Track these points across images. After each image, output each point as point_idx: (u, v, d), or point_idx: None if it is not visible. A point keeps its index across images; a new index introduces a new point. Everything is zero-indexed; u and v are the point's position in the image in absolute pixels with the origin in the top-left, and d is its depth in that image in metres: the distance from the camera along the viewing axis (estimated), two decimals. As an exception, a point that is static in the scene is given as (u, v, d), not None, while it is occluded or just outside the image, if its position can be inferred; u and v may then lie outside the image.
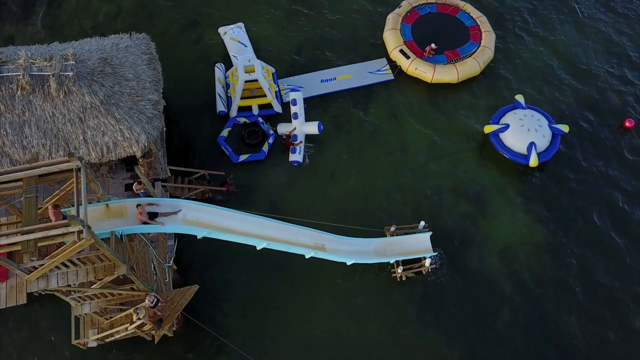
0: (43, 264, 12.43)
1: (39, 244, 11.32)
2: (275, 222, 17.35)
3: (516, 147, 22.65)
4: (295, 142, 22.77)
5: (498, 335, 19.78)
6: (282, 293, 20.30)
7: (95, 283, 14.41)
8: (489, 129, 22.94)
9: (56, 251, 12.12)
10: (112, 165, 20.88)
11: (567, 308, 20.30)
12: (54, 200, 12.62)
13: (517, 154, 22.65)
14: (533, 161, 22.23)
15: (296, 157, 22.72)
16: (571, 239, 21.73)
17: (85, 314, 16.10)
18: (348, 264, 19.43)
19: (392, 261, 20.26)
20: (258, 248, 16.52)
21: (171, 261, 19.43)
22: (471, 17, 26.01)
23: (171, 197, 21.19)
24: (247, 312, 19.93)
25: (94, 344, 17.78)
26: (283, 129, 23.20)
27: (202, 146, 23.40)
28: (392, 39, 25.22)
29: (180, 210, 15.28)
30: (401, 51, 24.72)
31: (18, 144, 18.28)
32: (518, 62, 26.14)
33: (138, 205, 14.34)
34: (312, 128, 23.00)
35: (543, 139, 22.50)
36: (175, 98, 24.51)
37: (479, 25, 25.69)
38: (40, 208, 12.69)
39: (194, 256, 20.93)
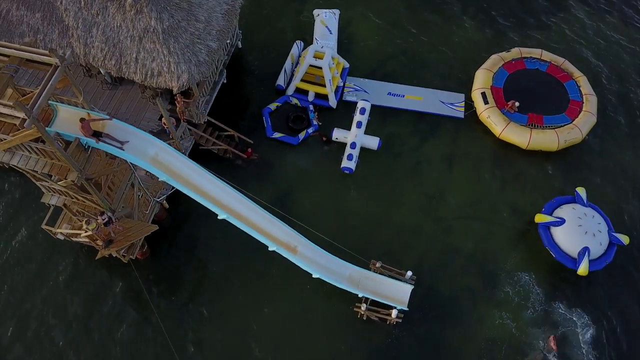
0: (7, 139, 13.38)
1: (-10, 117, 12.26)
2: (251, 203, 16.88)
3: (567, 248, 19.57)
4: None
5: None
6: (252, 274, 19.98)
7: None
8: (541, 218, 20.06)
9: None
10: (158, 93, 21.84)
11: None
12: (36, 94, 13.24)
13: (566, 256, 19.57)
14: (583, 269, 19.06)
15: (350, 164, 21.67)
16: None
17: (54, 205, 17.10)
18: (313, 276, 18.39)
19: (360, 295, 18.80)
20: (219, 217, 16.22)
21: (162, 198, 19.95)
22: (580, 91, 22.75)
23: (196, 143, 21.84)
24: (211, 276, 20.00)
25: (61, 237, 18.97)
26: (340, 134, 22.27)
27: (250, 110, 23.56)
28: (480, 79, 23.12)
29: (127, 142, 14.42)
30: (483, 94, 22.55)
31: (82, 40, 19.83)
32: (607, 159, 22.54)
33: (82, 119, 13.73)
34: (372, 142, 22.12)
35: (599, 247, 19.29)
36: (252, 58, 25.05)
37: (583, 103, 22.43)
38: (26, 96, 13.44)
39: (194, 205, 21.20)
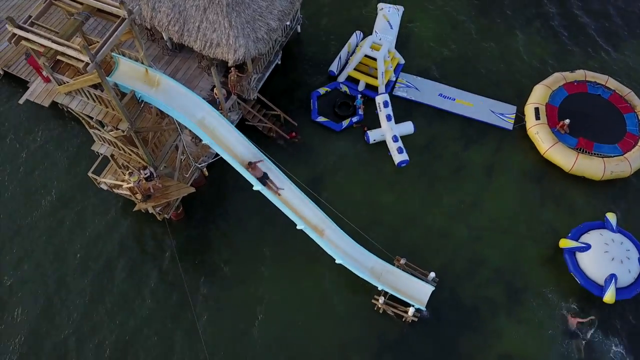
0: (69, 82, 14.22)
1: (57, 57, 12.99)
2: (286, 179, 17.24)
3: (592, 274, 19.03)
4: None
5: None
6: (278, 251, 20.40)
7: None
8: (565, 243, 19.57)
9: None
10: (214, 64, 22.51)
11: None
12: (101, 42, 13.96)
13: (592, 282, 19.03)
14: (609, 297, 18.50)
15: (404, 156, 21.71)
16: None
17: (103, 154, 17.95)
18: (336, 261, 18.57)
19: (380, 288, 18.86)
20: (254, 188, 16.64)
21: (204, 165, 20.56)
22: (640, 125, 21.98)
23: (243, 118, 22.41)
24: (238, 246, 20.54)
25: (105, 187, 19.91)
26: (376, 135, 22.30)
27: (299, 94, 23.92)
28: (537, 94, 22.58)
29: (283, 189, 16.98)
30: (536, 109, 22.05)
31: (150, 4, 20.68)
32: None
33: (250, 162, 16.41)
34: (408, 128, 22.30)
35: (628, 275, 18.64)
36: (309, 44, 25.41)
37: (639, 138, 21.66)
38: (92, 45, 14.23)
39: (232, 177, 21.79)
